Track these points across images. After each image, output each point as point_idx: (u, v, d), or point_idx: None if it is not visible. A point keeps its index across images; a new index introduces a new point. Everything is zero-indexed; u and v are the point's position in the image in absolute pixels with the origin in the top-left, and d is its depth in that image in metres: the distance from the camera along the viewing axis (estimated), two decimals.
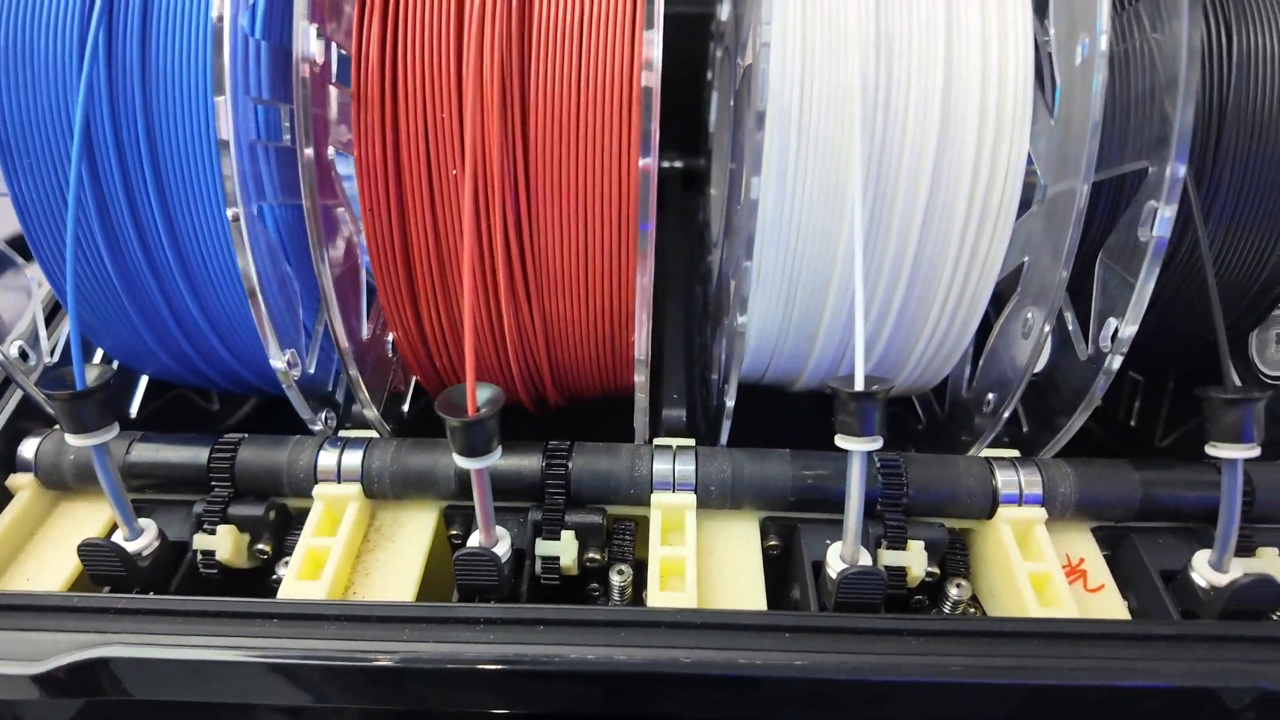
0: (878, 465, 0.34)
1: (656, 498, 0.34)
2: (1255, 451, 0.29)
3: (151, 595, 0.31)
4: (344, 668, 0.28)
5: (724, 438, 0.36)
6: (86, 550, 0.31)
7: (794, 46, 0.30)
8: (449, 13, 0.29)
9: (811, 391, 0.40)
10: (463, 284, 0.30)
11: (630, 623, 0.29)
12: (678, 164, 0.58)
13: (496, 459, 0.28)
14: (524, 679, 0.28)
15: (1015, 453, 0.35)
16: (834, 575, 0.30)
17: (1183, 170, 0.27)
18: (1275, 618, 0.32)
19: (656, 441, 0.36)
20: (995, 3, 0.31)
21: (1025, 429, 0.37)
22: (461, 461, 0.28)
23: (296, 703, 0.29)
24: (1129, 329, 0.30)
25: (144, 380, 0.40)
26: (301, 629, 0.28)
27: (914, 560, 0.33)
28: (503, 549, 0.31)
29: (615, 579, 0.34)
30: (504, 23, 0.28)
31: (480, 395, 0.28)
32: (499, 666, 0.27)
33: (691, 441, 0.36)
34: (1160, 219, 0.28)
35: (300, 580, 0.31)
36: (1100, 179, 0.33)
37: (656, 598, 0.31)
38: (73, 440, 0.29)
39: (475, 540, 0.31)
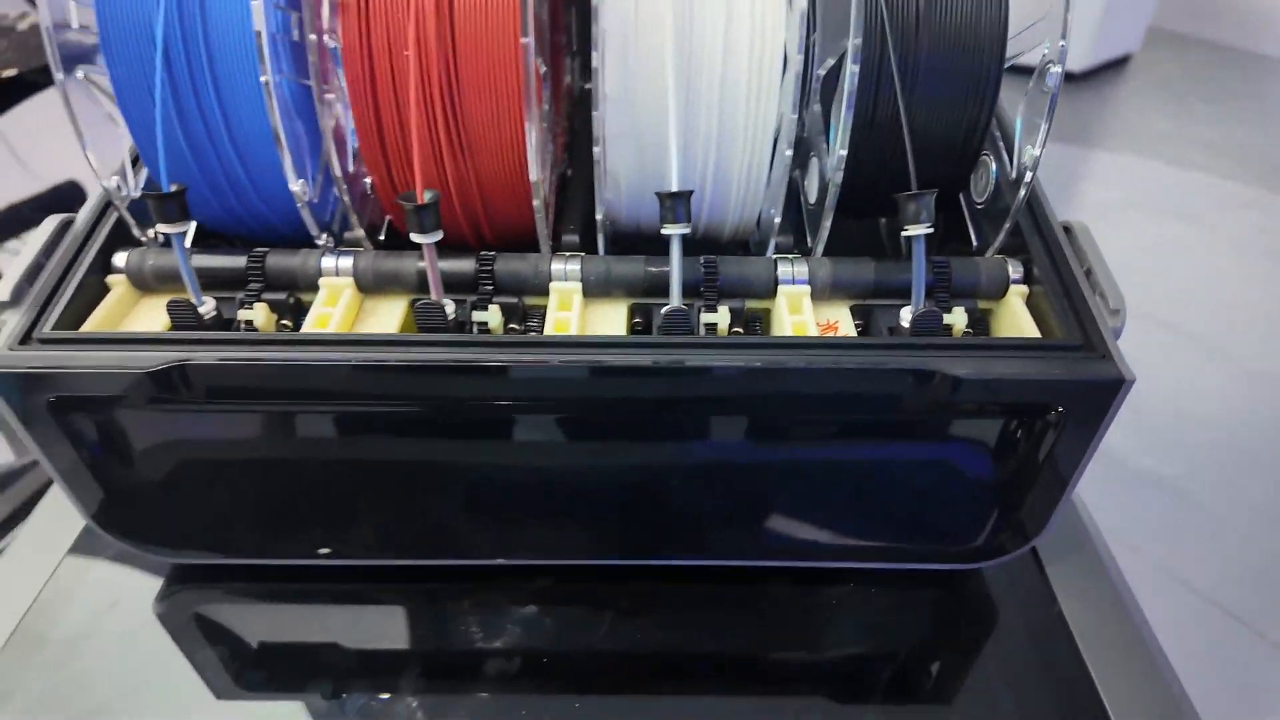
0: (701, 262, 0.50)
1: (554, 286, 0.50)
2: (929, 228, 0.45)
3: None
4: (360, 365, 0.44)
5: (601, 249, 0.52)
6: (173, 305, 0.47)
7: None
8: None
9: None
10: (414, 140, 0.46)
11: (536, 343, 0.45)
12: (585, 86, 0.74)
13: (439, 237, 0.45)
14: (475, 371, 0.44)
15: (795, 255, 0.52)
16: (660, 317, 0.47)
17: (859, 41, 0.43)
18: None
19: (556, 254, 0.52)
20: None
21: (808, 242, 0.53)
22: (416, 237, 0.44)
23: (317, 398, 0.46)
24: (840, 153, 0.46)
25: (193, 226, 0.55)
26: (319, 347, 0.44)
27: (721, 319, 0.49)
28: (449, 309, 0.48)
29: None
30: None
31: (426, 195, 0.44)
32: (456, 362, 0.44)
33: (579, 254, 0.52)
34: (848, 74, 0.44)
35: (313, 328, 0.48)
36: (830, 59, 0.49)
37: None
38: (162, 228, 0.45)
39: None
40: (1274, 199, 2.86)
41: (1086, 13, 3.44)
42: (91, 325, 0.48)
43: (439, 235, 0.45)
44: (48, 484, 1.39)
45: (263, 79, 0.44)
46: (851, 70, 0.44)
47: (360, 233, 0.51)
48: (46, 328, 0.46)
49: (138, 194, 0.51)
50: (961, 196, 0.55)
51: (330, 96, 0.49)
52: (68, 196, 2.46)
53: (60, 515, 0.60)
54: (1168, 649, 0.54)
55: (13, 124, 1.82)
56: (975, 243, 0.54)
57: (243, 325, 0.49)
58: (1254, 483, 1.76)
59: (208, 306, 0.48)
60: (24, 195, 2.34)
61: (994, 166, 0.52)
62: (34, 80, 1.74)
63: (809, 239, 0.53)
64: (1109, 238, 0.48)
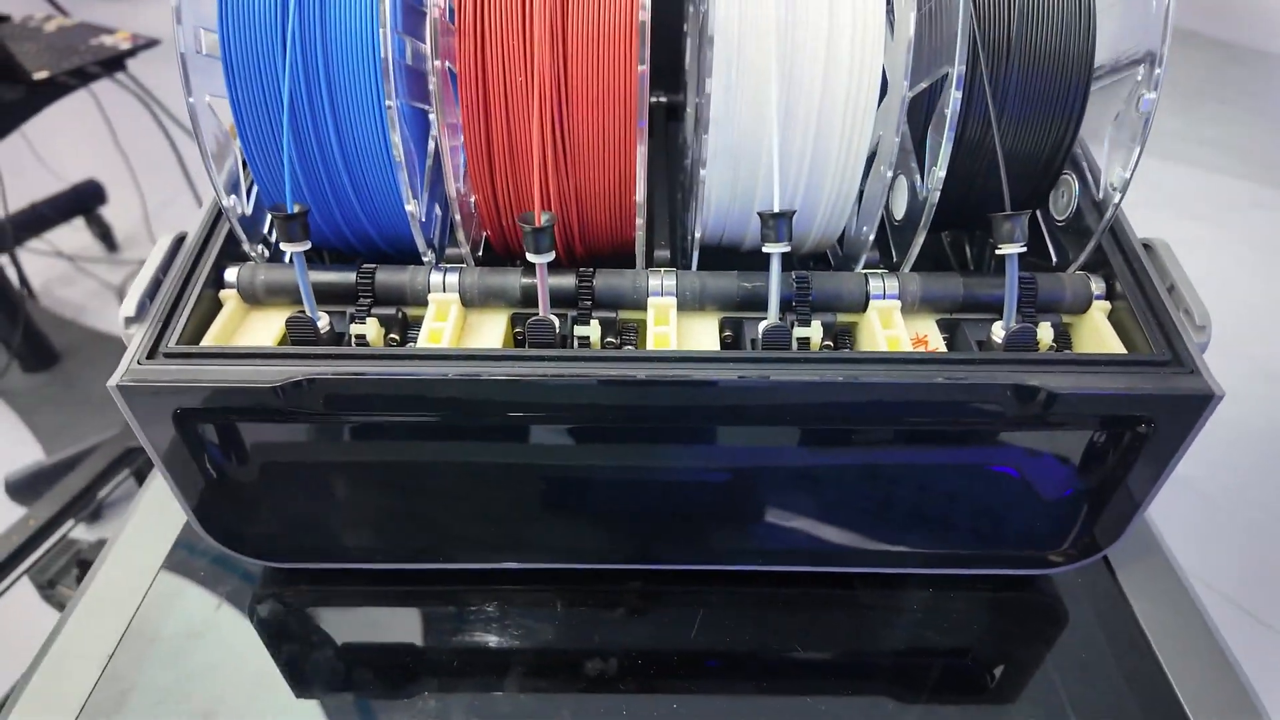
0: (793, 278, 0.52)
1: (651, 301, 0.52)
2: (1023, 248, 0.47)
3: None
4: (466, 381, 0.46)
5: (694, 264, 0.54)
6: (292, 320, 0.48)
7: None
8: None
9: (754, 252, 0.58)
10: (530, 160, 0.47)
11: (637, 358, 0.47)
12: (663, 99, 0.76)
13: (551, 257, 0.46)
14: (577, 388, 0.46)
15: (884, 270, 0.54)
16: (760, 333, 0.49)
17: (962, 69, 0.45)
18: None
19: (650, 269, 0.54)
20: None
21: (894, 258, 0.55)
22: (531, 257, 0.46)
23: (433, 409, 0.47)
24: (939, 174, 0.48)
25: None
26: (433, 363, 0.46)
27: (814, 333, 0.51)
28: (555, 323, 0.49)
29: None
30: None
31: (543, 218, 0.46)
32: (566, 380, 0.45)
33: (674, 269, 0.54)
34: (952, 99, 0.46)
35: (427, 343, 0.49)
36: (924, 82, 0.51)
37: None
38: (285, 247, 0.46)
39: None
40: None
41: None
42: (210, 339, 0.50)
43: (551, 255, 0.46)
44: (92, 483, 1.40)
45: (388, 104, 0.45)
46: (955, 96, 0.46)
47: (464, 249, 0.53)
48: (171, 342, 0.47)
49: (249, 211, 0.52)
50: (1039, 213, 0.57)
51: (449, 120, 0.50)
52: (88, 196, 2.47)
53: (160, 517, 0.62)
54: None
55: (34, 123, 1.84)
56: (1054, 259, 0.56)
57: (354, 340, 0.51)
58: (1272, 482, 1.78)
59: (324, 321, 0.50)
60: (45, 194, 2.36)
61: (1076, 185, 0.53)
62: (65, 82, 1.76)
63: (894, 253, 0.55)
64: None
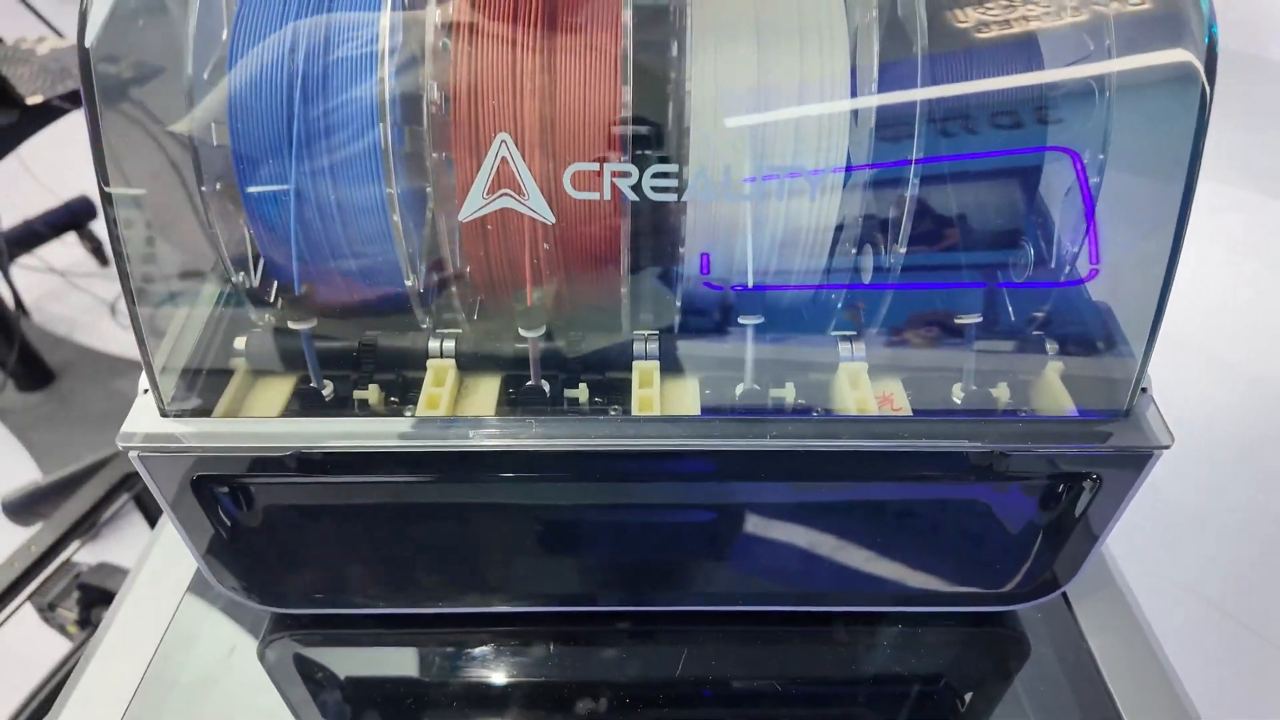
0: (768, 342, 0.56)
1: (636, 364, 0.56)
2: (979, 318, 0.50)
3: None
4: (459, 453, 0.49)
5: (677, 329, 0.58)
6: (300, 389, 0.52)
7: None
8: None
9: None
10: (523, 239, 0.51)
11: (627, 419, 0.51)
12: None
13: (542, 332, 0.50)
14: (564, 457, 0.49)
15: (853, 333, 0.57)
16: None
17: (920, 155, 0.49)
18: None
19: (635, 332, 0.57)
20: None
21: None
22: (524, 332, 0.50)
23: (431, 485, 0.51)
24: (900, 251, 0.52)
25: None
26: (432, 428, 0.50)
27: (788, 394, 0.55)
28: (546, 389, 0.53)
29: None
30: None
31: (534, 296, 0.49)
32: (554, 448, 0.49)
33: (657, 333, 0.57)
34: (911, 184, 0.50)
35: (426, 410, 0.53)
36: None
37: None
38: (294, 325, 0.50)
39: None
40: (1263, 202, 2.92)
41: None
42: (223, 407, 0.53)
43: (543, 329, 0.50)
44: (93, 508, 1.42)
45: (388, 191, 0.49)
46: (913, 182, 0.49)
47: (460, 314, 0.56)
48: (189, 406, 0.51)
49: (257, 283, 0.56)
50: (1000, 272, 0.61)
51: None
52: (79, 212, 2.49)
53: (172, 565, 0.65)
54: (1167, 648, 0.60)
55: (27, 141, 1.85)
56: (1013, 317, 0.59)
57: (357, 404, 0.54)
58: (1244, 485, 1.83)
59: (328, 390, 0.53)
60: (38, 211, 2.37)
61: (1031, 251, 0.57)
62: (59, 106, 1.77)
63: (861, 315, 0.59)
64: None
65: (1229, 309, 2.36)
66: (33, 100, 1.69)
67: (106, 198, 0.45)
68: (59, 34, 1.94)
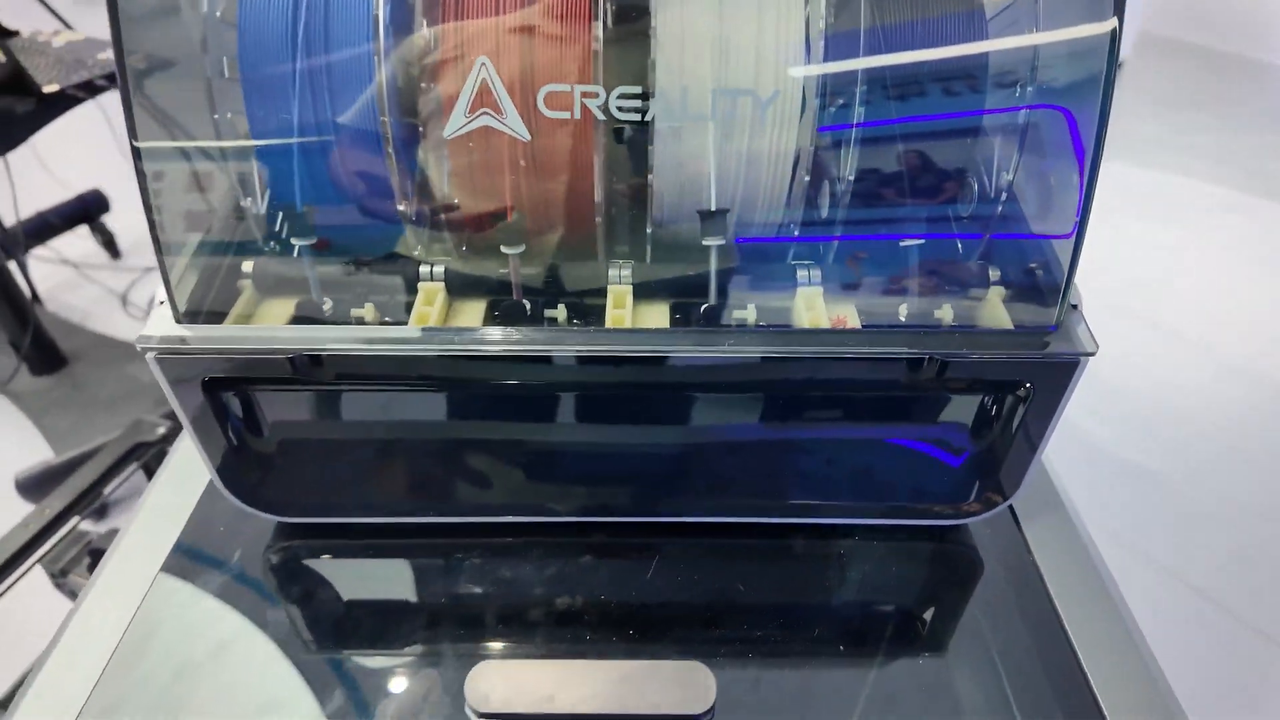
0: (733, 267, 0.60)
1: (610, 288, 0.61)
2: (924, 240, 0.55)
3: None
4: (448, 357, 0.54)
5: (649, 257, 0.63)
6: (300, 304, 0.57)
7: None
8: None
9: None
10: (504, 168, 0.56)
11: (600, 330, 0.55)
12: None
13: (522, 249, 0.55)
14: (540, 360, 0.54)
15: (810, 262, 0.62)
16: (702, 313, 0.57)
17: (865, 88, 0.54)
18: None
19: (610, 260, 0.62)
20: None
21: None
22: (505, 249, 0.54)
23: (418, 381, 0.56)
24: (849, 178, 0.57)
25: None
26: (424, 333, 0.55)
27: (749, 315, 0.59)
28: (526, 306, 0.58)
29: None
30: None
31: (514, 216, 0.54)
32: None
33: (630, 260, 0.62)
34: (857, 114, 0.55)
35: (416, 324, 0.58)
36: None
37: None
38: (295, 240, 0.55)
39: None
40: (1259, 203, 2.96)
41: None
42: (232, 318, 0.58)
43: (522, 247, 0.55)
44: (102, 476, 1.47)
45: (381, 119, 0.54)
46: (860, 110, 0.54)
47: (449, 243, 0.61)
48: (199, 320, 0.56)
49: (263, 210, 0.61)
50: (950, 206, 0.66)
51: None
52: (91, 205, 2.55)
53: (160, 520, 0.69)
54: (1146, 632, 0.63)
55: (41, 134, 1.91)
56: (960, 249, 0.64)
57: (354, 320, 0.59)
58: (1233, 474, 1.87)
59: (328, 305, 0.58)
60: (51, 203, 2.44)
61: (975, 185, 0.62)
62: (74, 95, 1.83)
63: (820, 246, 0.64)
64: (1096, 240, 0.57)
65: (1229, 309, 2.39)
66: (49, 89, 1.75)
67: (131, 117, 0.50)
68: (70, 28, 2.01)
